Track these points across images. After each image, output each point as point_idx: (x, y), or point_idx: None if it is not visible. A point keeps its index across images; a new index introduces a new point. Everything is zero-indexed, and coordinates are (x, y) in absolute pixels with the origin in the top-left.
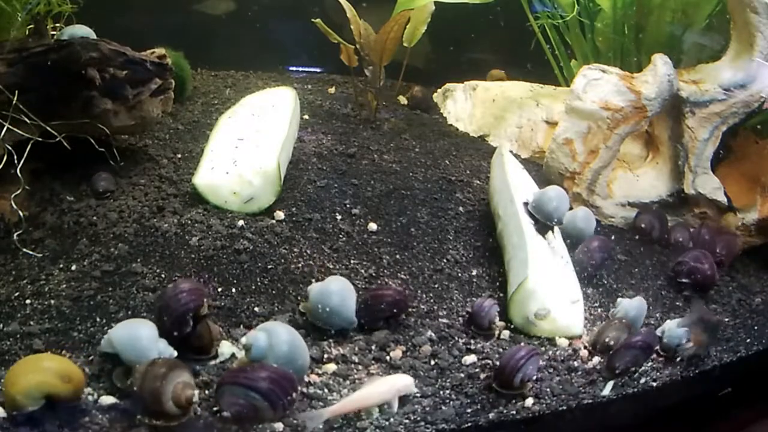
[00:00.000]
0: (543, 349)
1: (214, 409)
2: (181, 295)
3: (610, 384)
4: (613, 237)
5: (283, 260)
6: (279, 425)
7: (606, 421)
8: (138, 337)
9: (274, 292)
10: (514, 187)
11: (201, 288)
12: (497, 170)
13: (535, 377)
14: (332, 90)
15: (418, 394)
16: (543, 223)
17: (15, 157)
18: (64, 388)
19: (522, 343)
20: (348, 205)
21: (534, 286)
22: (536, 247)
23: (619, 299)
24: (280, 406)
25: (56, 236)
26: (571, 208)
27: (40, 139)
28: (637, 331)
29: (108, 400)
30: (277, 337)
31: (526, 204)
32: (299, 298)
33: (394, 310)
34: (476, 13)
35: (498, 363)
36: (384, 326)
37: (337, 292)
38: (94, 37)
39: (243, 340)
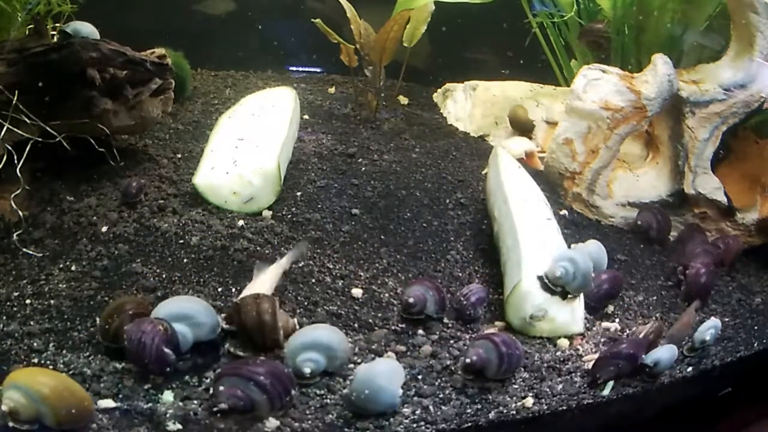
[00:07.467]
0: (543, 349)
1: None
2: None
3: (610, 384)
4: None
5: None
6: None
7: (606, 421)
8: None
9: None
10: (508, 188)
11: None
12: (492, 170)
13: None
14: (332, 90)
15: (418, 394)
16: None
17: (15, 157)
18: None
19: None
20: (348, 205)
21: (529, 288)
22: (530, 248)
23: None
24: (278, 402)
25: (56, 236)
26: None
27: (40, 139)
28: None
29: (106, 403)
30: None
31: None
32: (298, 297)
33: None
34: (476, 12)
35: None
36: (384, 325)
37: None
38: (98, 35)
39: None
